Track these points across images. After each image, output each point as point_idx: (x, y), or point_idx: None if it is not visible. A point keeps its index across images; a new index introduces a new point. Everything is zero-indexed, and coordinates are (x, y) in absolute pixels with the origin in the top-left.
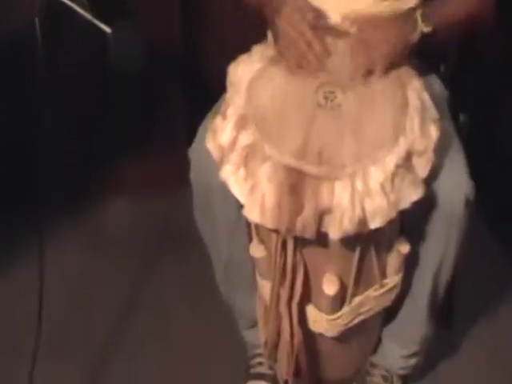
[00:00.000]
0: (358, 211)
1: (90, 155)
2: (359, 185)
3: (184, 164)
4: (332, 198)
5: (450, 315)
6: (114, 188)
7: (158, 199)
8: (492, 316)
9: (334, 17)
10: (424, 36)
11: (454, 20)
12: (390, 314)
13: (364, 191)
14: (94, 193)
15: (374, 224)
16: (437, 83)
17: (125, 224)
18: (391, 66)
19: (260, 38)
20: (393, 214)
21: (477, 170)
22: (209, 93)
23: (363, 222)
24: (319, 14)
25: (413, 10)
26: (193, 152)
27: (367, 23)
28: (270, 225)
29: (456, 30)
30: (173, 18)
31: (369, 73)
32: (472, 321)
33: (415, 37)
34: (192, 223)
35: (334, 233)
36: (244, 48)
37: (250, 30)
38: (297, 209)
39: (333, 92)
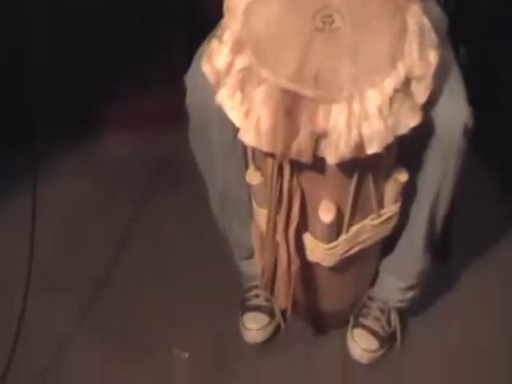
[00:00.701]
0: (354, 135)
1: (88, 89)
2: (356, 108)
3: (183, 98)
4: (328, 121)
5: (447, 249)
6: (113, 122)
7: (157, 133)
8: (489, 250)
9: None
10: None
11: None
12: (387, 246)
13: (361, 114)
14: (93, 126)
15: (371, 149)
16: (436, 8)
17: (123, 158)
18: None
19: None
20: (390, 139)
21: (476, 103)
22: (208, 26)
23: (360, 146)
24: None
25: None
26: (189, 78)
27: None
28: (265, 148)
29: None
30: None
31: None
32: (469, 255)
33: None
34: (190, 157)
35: (331, 157)
36: None
37: None
38: (292, 132)
39: (331, 16)
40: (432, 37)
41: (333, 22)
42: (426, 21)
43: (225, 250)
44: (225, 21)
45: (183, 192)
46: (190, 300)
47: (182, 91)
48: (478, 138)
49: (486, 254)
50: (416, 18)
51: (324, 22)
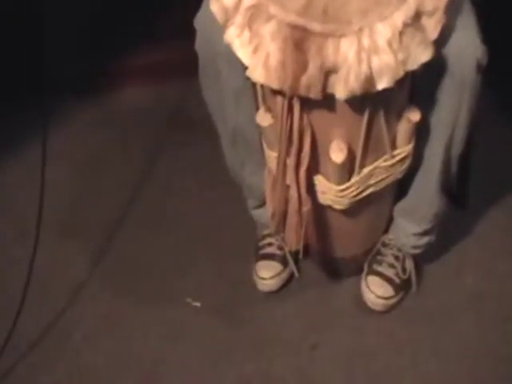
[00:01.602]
0: (364, 68)
1: (101, 42)
2: (366, 41)
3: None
4: (337, 55)
5: (464, 196)
6: (126, 73)
7: (171, 83)
8: (508, 199)
9: None
10: None
11: None
12: (402, 191)
13: (371, 48)
14: (107, 77)
15: (382, 83)
16: None
17: (136, 108)
18: None
19: None
20: (400, 73)
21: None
22: None
23: (370, 80)
24: None
25: None
26: (198, 21)
27: None
28: (274, 84)
29: None
30: None
31: None
32: (487, 203)
33: None
34: (205, 107)
35: (340, 92)
36: None
37: None
38: (301, 66)
39: None
40: None
41: None
42: None
43: (238, 199)
44: None
45: (197, 142)
46: (203, 249)
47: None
48: (498, 83)
49: (504, 201)
50: None
51: None
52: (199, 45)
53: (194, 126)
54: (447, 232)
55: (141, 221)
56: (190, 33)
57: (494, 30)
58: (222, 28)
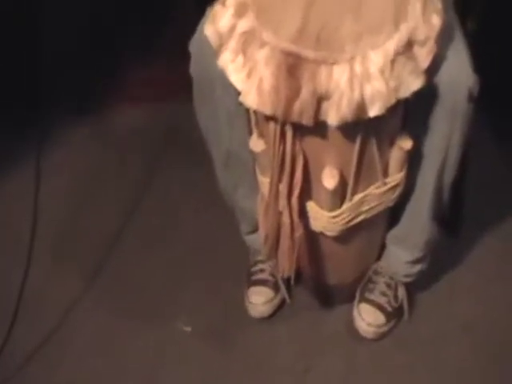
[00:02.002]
0: (356, 95)
1: (98, 60)
2: (358, 69)
3: None
4: (330, 82)
5: (457, 223)
6: (124, 90)
7: (168, 103)
8: (500, 226)
9: None
10: None
11: None
12: (394, 218)
13: (363, 75)
14: (103, 96)
15: (373, 110)
16: None
17: (133, 128)
18: None
19: None
20: (392, 101)
21: (482, 71)
22: None
23: (362, 107)
24: None
25: None
26: (193, 44)
27: None
28: (267, 109)
29: None
30: None
31: None
32: (480, 230)
33: None
34: (198, 128)
35: (333, 118)
36: None
37: None
38: (294, 92)
39: None
40: (436, 1)
41: None
42: None
43: (232, 221)
44: None
45: (194, 161)
46: (196, 271)
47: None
48: (489, 111)
49: (496, 229)
50: None
51: None
52: (194, 68)
53: (192, 145)
54: (439, 259)
55: (135, 239)
56: (187, 53)
57: (487, 58)
58: (216, 53)
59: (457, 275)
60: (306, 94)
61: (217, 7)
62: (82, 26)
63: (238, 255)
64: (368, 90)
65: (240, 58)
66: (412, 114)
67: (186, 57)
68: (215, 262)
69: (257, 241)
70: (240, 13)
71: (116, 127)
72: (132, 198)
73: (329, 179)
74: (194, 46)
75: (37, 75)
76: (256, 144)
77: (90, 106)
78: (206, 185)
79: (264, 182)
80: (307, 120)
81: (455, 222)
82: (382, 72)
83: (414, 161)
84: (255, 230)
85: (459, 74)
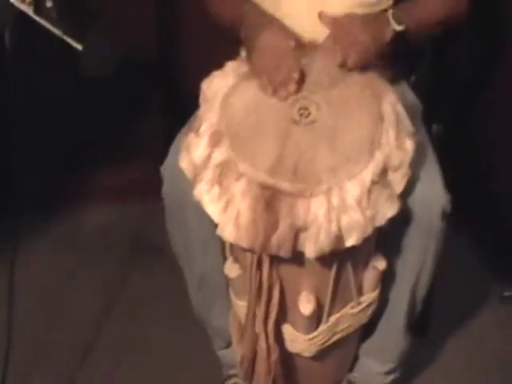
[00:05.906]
0: (333, 226)
1: (65, 162)
2: (335, 200)
3: (159, 172)
4: (308, 215)
5: (426, 325)
6: (89, 195)
7: (133, 206)
8: (469, 327)
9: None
10: (396, 36)
11: (425, 21)
12: (367, 329)
13: (340, 207)
14: (69, 199)
15: (350, 241)
16: (410, 94)
17: (99, 231)
18: (366, 65)
19: (233, 54)
20: (369, 231)
21: (452, 180)
22: (184, 103)
23: (339, 238)
24: (299, 40)
25: (384, 11)
26: (166, 168)
27: (341, 22)
28: (244, 243)
29: (427, 32)
30: (148, 32)
31: (344, 64)
32: (448, 331)
33: (388, 34)
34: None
35: (310, 251)
36: (218, 63)
37: (224, 47)
38: (272, 226)
39: (307, 109)
40: (408, 124)
41: (309, 114)
42: (401, 109)
43: (204, 335)
44: (201, 112)
45: (164, 269)
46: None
47: (158, 165)
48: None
49: (465, 330)
50: (392, 106)
51: (301, 115)
52: (166, 192)
53: (158, 249)
54: (411, 363)
55: (107, 351)
56: (153, 156)
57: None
58: (192, 183)
59: (427, 378)
60: (283, 227)
61: (190, 137)
62: (52, 130)
63: (211, 365)
64: (345, 221)
65: (216, 189)
66: (386, 233)
67: (153, 160)
68: (188, 375)
69: (230, 355)
70: (215, 141)
71: (86, 227)
72: (99, 307)
73: (305, 305)
74: (166, 170)
75: (6, 174)
76: (231, 269)
77: (57, 210)
78: (178, 293)
79: (239, 304)
80: (285, 253)
81: (423, 323)
82: (359, 202)
83: (387, 278)
84: (228, 345)
85: (432, 194)
